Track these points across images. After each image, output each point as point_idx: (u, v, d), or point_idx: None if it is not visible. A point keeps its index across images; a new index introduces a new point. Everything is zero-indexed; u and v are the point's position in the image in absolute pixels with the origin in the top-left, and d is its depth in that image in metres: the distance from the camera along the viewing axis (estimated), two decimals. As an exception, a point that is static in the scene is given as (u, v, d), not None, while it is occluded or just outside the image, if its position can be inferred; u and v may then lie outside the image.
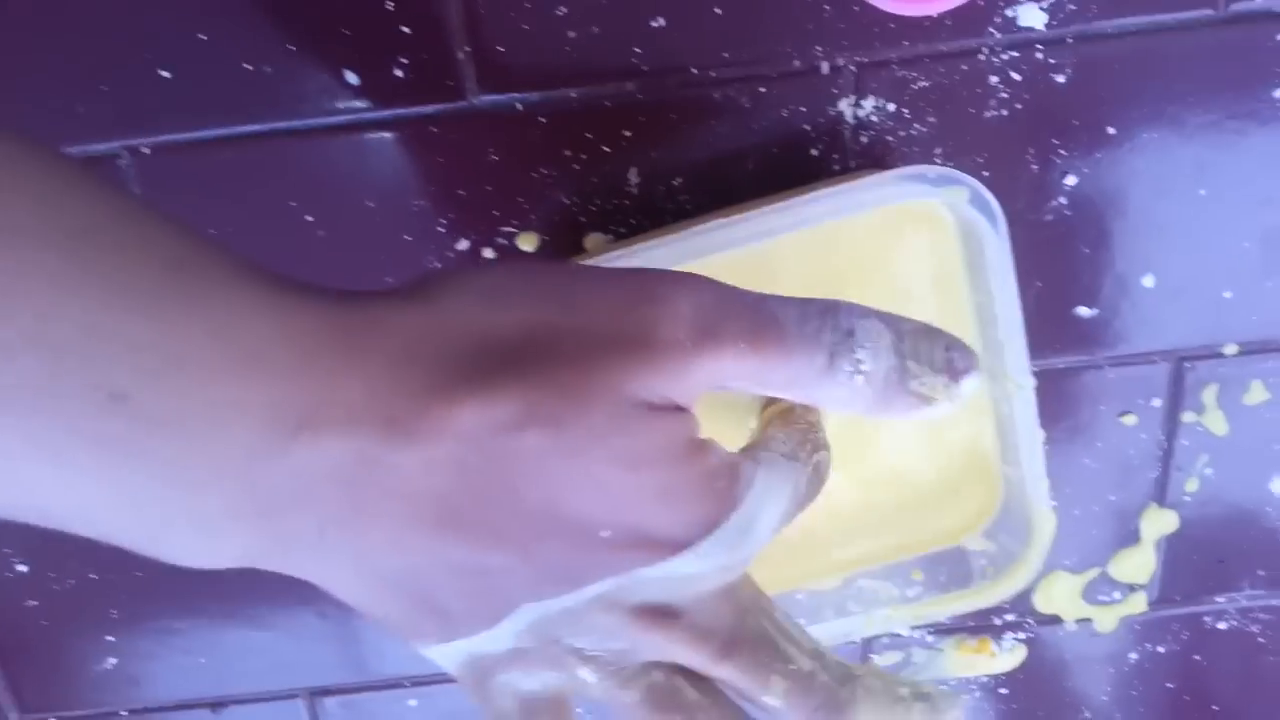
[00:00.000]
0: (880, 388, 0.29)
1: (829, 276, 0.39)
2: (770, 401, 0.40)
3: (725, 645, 0.29)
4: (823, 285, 0.39)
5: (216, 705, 0.52)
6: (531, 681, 0.29)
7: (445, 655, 0.29)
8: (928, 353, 0.30)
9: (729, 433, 0.35)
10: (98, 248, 0.24)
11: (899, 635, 0.51)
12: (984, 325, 0.40)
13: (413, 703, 0.52)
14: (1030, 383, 0.40)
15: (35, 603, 0.49)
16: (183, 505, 0.25)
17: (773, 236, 0.37)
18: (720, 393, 0.35)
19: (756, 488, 0.29)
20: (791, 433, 0.32)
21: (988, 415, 0.42)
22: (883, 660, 0.51)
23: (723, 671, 0.29)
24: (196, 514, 0.25)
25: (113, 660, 0.51)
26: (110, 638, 0.50)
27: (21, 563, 0.48)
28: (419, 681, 0.52)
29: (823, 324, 0.29)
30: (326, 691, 0.52)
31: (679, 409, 0.28)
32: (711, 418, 0.37)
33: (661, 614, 0.28)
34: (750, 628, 0.30)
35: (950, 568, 0.44)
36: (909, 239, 0.39)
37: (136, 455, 0.24)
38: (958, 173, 0.36)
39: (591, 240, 0.42)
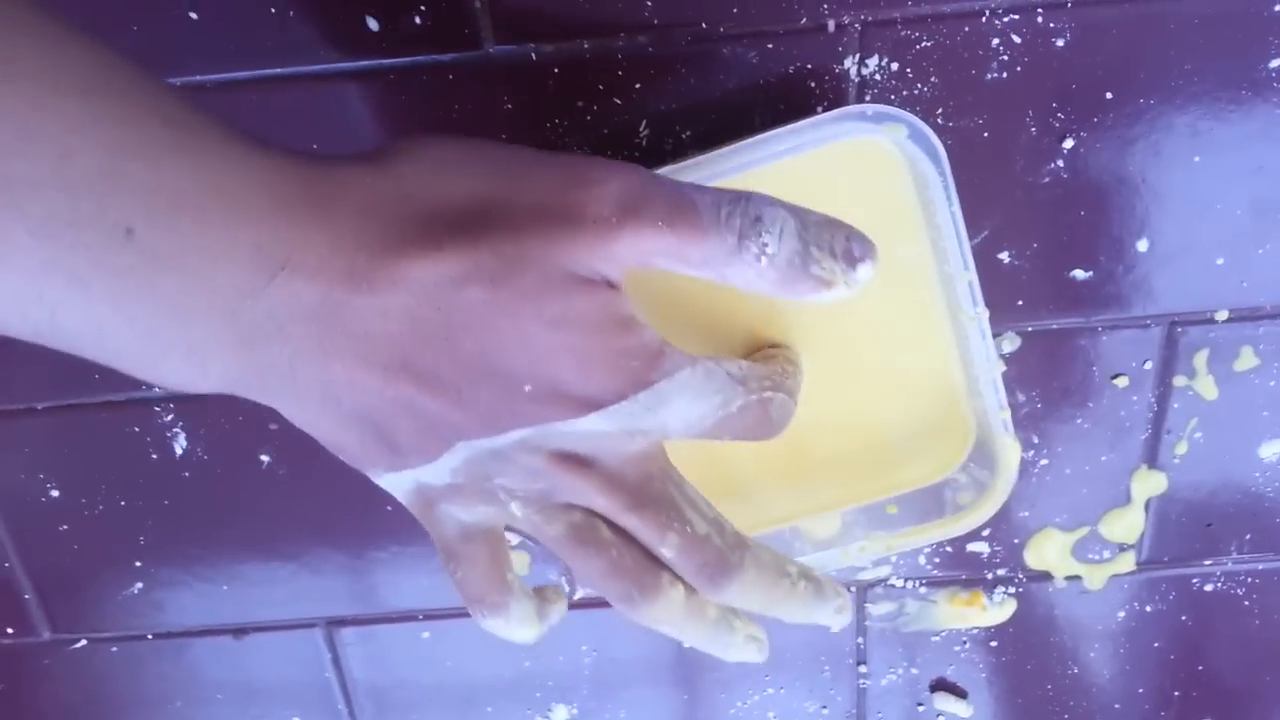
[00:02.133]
0: (783, 269, 0.32)
1: None
2: (760, 350, 0.41)
3: (631, 498, 0.33)
4: None
5: (238, 632, 0.54)
6: (468, 513, 0.33)
7: (395, 483, 0.33)
8: (829, 240, 0.32)
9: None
10: (107, 100, 0.27)
11: (893, 586, 0.52)
12: (939, 261, 0.41)
13: (425, 634, 0.54)
14: (983, 314, 0.41)
15: (66, 527, 0.52)
16: (178, 332, 0.28)
17: (724, 178, 0.39)
18: (716, 329, 0.37)
19: (676, 380, 0.32)
20: (756, 365, 0.35)
21: (953, 354, 0.43)
22: (877, 609, 0.53)
23: (627, 520, 0.33)
24: (188, 341, 0.29)
25: (139, 585, 0.53)
26: (138, 563, 0.52)
27: (55, 488, 0.50)
28: (431, 615, 0.54)
29: (734, 209, 0.31)
30: (343, 622, 0.54)
31: (609, 285, 0.31)
32: (704, 350, 0.39)
33: (577, 461, 0.32)
34: (656, 489, 0.33)
35: (924, 501, 0.46)
36: (864, 176, 0.40)
37: (142, 285, 0.27)
38: (896, 110, 0.38)
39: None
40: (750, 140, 0.38)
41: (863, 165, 0.40)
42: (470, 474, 0.32)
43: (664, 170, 0.38)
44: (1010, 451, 0.43)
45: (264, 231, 0.28)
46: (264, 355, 0.29)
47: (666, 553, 0.34)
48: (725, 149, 0.38)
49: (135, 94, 0.28)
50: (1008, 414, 0.43)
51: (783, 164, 0.39)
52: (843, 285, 0.32)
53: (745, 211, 0.31)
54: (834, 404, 0.44)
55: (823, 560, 0.46)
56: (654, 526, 0.33)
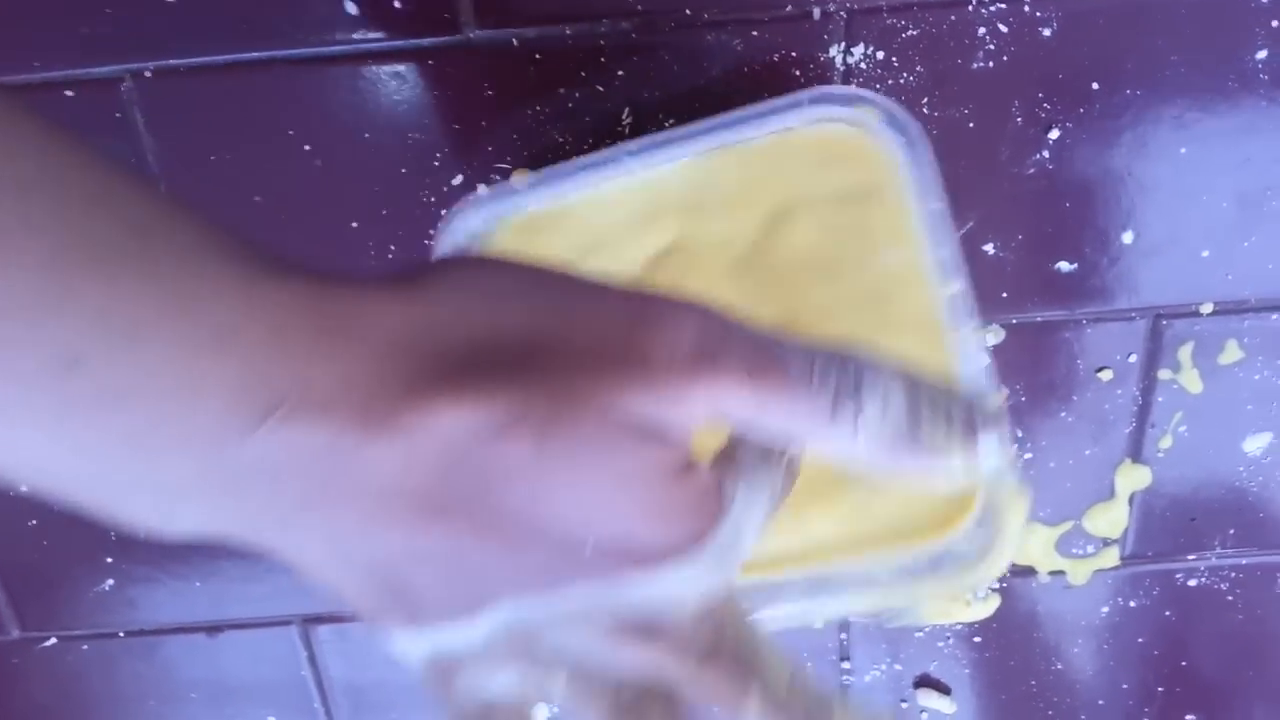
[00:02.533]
0: (887, 433, 0.27)
1: (770, 193, 0.40)
2: None
3: (705, 655, 0.28)
4: (766, 200, 0.40)
5: (212, 630, 0.54)
6: (497, 685, 0.28)
7: (412, 645, 0.28)
8: (945, 405, 0.28)
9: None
10: (52, 203, 0.22)
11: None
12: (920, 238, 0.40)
13: (400, 632, 0.54)
14: (957, 286, 0.39)
15: (36, 523, 0.51)
16: (144, 475, 0.24)
17: (697, 155, 0.38)
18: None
19: (739, 500, 0.28)
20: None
21: (938, 339, 0.41)
22: (859, 605, 0.52)
23: (704, 678, 0.28)
24: (158, 485, 0.24)
25: (111, 582, 0.52)
26: (109, 559, 0.52)
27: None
28: (407, 612, 0.53)
29: (829, 365, 0.27)
30: (319, 619, 0.53)
31: (678, 440, 0.27)
32: None
33: (644, 630, 0.27)
34: (730, 638, 0.29)
35: (917, 557, 0.45)
36: (847, 161, 0.40)
37: (95, 422, 0.23)
38: (869, 93, 0.37)
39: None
40: (722, 118, 0.38)
41: (846, 150, 0.39)
42: (512, 636, 0.27)
43: (635, 144, 0.38)
44: (1015, 512, 0.41)
45: (253, 367, 0.23)
46: (251, 504, 0.24)
47: (750, 707, 0.28)
48: (698, 124, 0.38)
49: (90, 191, 0.23)
50: (1004, 396, 0.43)
51: (762, 147, 0.39)
52: (959, 454, 0.28)
53: (843, 369, 0.27)
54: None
55: (817, 608, 0.44)
56: (734, 679, 0.28)
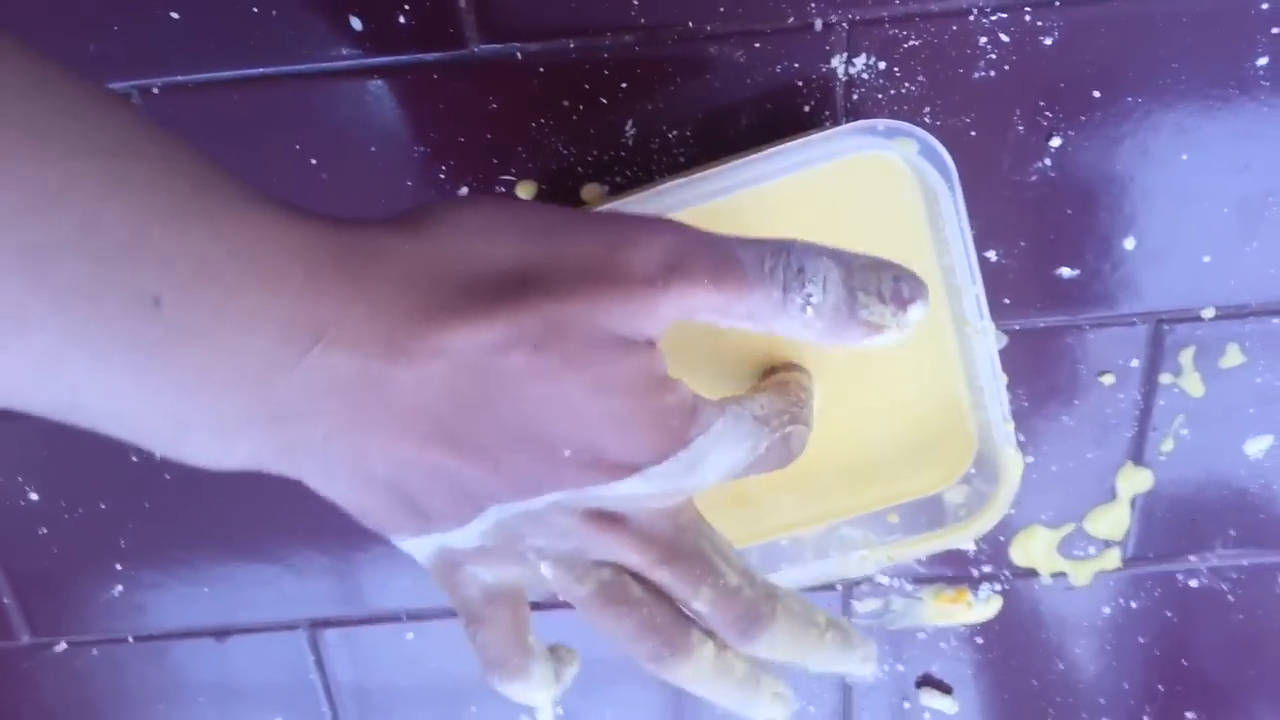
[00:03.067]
0: (830, 317, 0.32)
1: (798, 227, 0.40)
2: (771, 371, 0.41)
3: (664, 553, 0.33)
4: (793, 234, 0.40)
5: (220, 634, 0.54)
6: (493, 574, 0.33)
7: (418, 546, 0.32)
8: (875, 283, 0.32)
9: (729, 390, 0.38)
10: (134, 166, 0.26)
11: (879, 584, 0.52)
12: (945, 273, 0.41)
13: (409, 636, 0.54)
14: (989, 327, 0.41)
15: (46, 530, 0.51)
16: (204, 408, 0.27)
17: (734, 192, 0.38)
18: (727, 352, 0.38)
19: (711, 434, 0.32)
20: (774, 399, 0.35)
21: (957, 366, 0.43)
22: (863, 606, 0.53)
23: (660, 575, 0.33)
24: (215, 417, 0.27)
25: (120, 588, 0.52)
26: (118, 566, 0.52)
27: (34, 491, 0.50)
28: (415, 616, 0.53)
29: (776, 262, 0.31)
30: (327, 623, 0.54)
31: (649, 345, 0.31)
32: (718, 377, 0.39)
33: (610, 519, 0.32)
34: (688, 542, 0.33)
35: (925, 511, 0.46)
36: (873, 190, 0.40)
37: (167, 359, 0.26)
38: (908, 125, 0.37)
39: (588, 190, 0.44)
40: (761, 153, 0.38)
41: (870, 179, 0.40)
42: (500, 536, 0.32)
43: (672, 184, 0.38)
44: (1013, 464, 0.44)
45: (299, 303, 0.27)
46: (295, 430, 0.28)
47: (699, 606, 0.34)
48: (735, 161, 0.38)
49: (163, 157, 0.27)
50: (1011, 426, 0.43)
51: (791, 178, 0.39)
52: (894, 328, 0.32)
53: (788, 264, 0.31)
54: (838, 414, 0.44)
55: (824, 569, 0.46)
56: (687, 580, 0.33)
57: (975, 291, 0.41)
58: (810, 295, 0.31)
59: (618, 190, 0.43)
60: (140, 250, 0.25)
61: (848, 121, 0.42)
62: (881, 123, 0.38)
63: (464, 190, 0.43)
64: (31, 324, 0.25)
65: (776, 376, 0.41)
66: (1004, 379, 0.43)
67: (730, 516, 0.45)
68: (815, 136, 0.38)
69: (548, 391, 0.29)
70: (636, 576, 0.33)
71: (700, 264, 0.30)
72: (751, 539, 0.47)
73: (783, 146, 0.38)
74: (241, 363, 0.27)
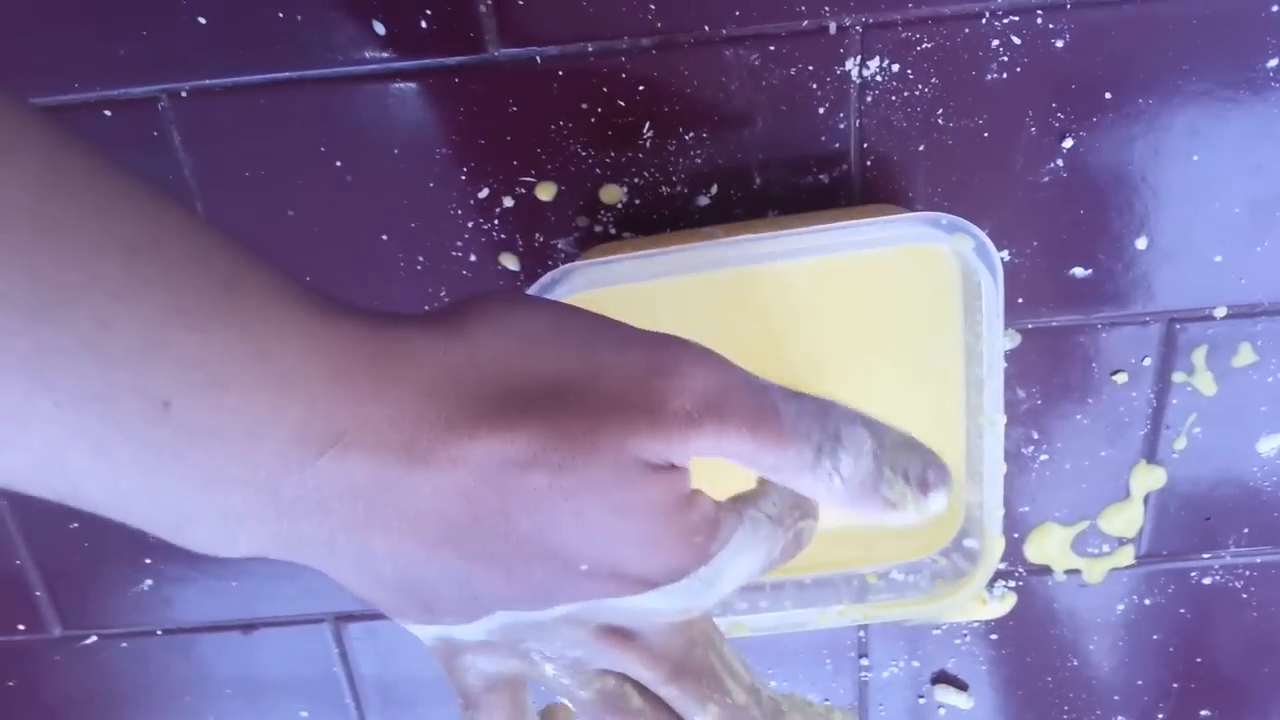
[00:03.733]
0: (854, 489, 0.31)
1: (835, 301, 0.42)
2: None
3: (672, 670, 0.32)
4: (828, 308, 0.42)
5: (247, 627, 0.55)
6: (494, 665, 0.32)
7: (420, 630, 0.32)
8: (904, 464, 0.32)
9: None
10: (156, 264, 0.25)
11: (894, 579, 0.52)
12: (970, 361, 0.43)
13: (430, 630, 0.55)
14: (1001, 420, 0.42)
15: (76, 525, 0.52)
16: (211, 505, 0.26)
17: (785, 259, 0.39)
18: None
19: (732, 545, 0.31)
20: (785, 495, 0.34)
21: (960, 448, 0.44)
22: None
23: (666, 692, 0.32)
24: (221, 514, 0.27)
25: (149, 582, 0.53)
26: (147, 560, 0.53)
27: (65, 485, 0.51)
28: (436, 611, 0.54)
29: (814, 423, 0.31)
30: (351, 617, 0.55)
31: (675, 468, 0.30)
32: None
33: (621, 635, 0.31)
34: (697, 658, 0.33)
35: (904, 578, 0.47)
36: (913, 274, 0.42)
37: (175, 460, 0.25)
38: (967, 223, 0.38)
39: (607, 191, 0.44)
40: (819, 228, 0.38)
41: (913, 258, 0.41)
42: (506, 637, 0.31)
43: (718, 243, 0.39)
44: (995, 548, 0.45)
45: (317, 407, 0.26)
46: (302, 528, 0.27)
47: (708, 713, 0.33)
48: (795, 231, 0.38)
49: (186, 251, 0.25)
50: (1002, 513, 0.44)
51: (841, 256, 0.40)
52: (912, 510, 0.32)
53: (825, 427, 0.31)
54: None
55: (801, 618, 0.47)
56: (694, 698, 0.32)
57: (996, 385, 0.41)
58: (840, 464, 0.31)
59: (636, 192, 0.44)
60: (154, 354, 0.24)
61: (861, 124, 0.43)
62: (945, 217, 0.38)
63: (485, 191, 0.44)
64: (33, 425, 0.24)
65: None
66: (1004, 469, 0.44)
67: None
68: (877, 220, 0.38)
69: (567, 511, 0.28)
70: (640, 685, 0.33)
71: (740, 410, 0.30)
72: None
73: (845, 224, 0.38)
74: (252, 462, 0.26)
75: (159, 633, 0.55)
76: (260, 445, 0.26)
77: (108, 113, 0.43)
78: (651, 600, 0.30)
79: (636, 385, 0.29)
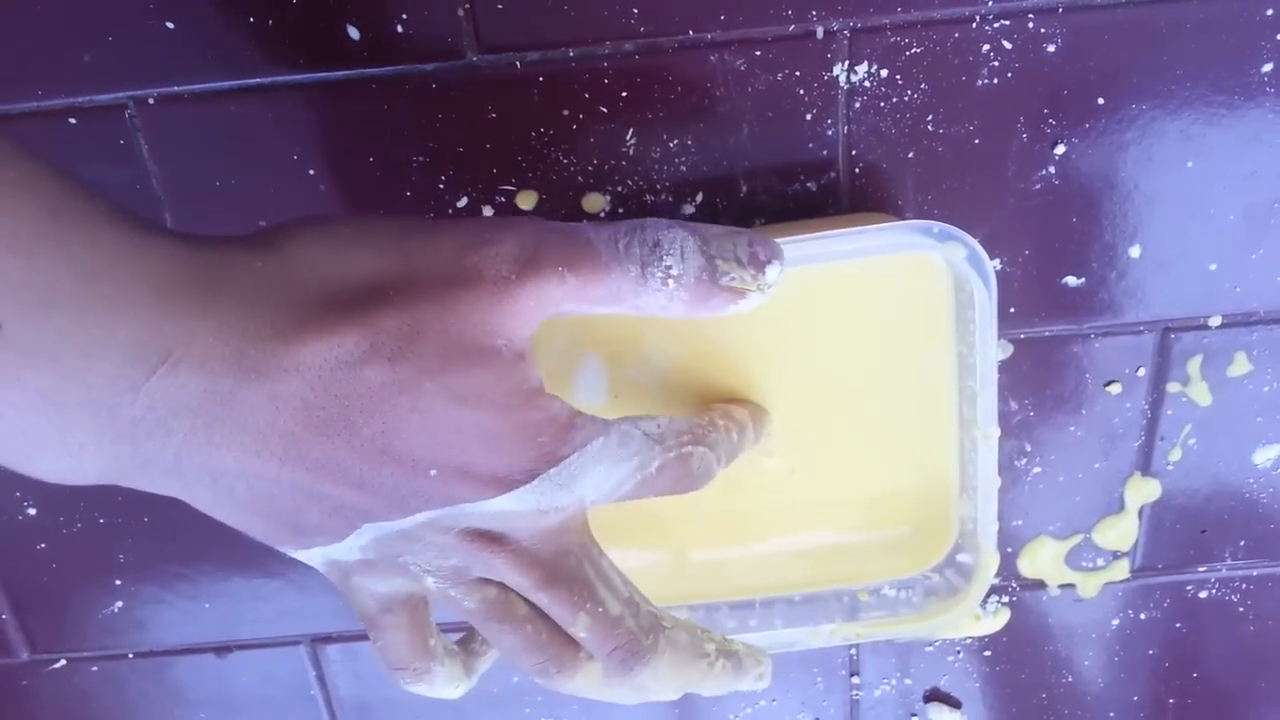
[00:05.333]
0: (693, 288, 0.32)
1: (824, 311, 0.41)
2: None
3: (543, 576, 0.32)
4: (817, 319, 0.42)
5: (221, 650, 0.54)
6: (384, 584, 0.33)
7: (304, 556, 0.32)
8: (732, 249, 0.32)
9: None
10: None
11: (886, 596, 0.51)
12: (962, 373, 0.42)
13: (409, 651, 0.53)
14: (995, 432, 0.41)
15: (44, 546, 0.51)
16: (53, 428, 0.27)
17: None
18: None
19: (589, 452, 0.31)
20: (678, 420, 0.35)
21: (954, 461, 0.44)
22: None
23: (538, 598, 0.33)
24: (64, 436, 0.27)
25: (120, 604, 0.52)
26: (118, 581, 0.52)
27: (32, 506, 0.50)
28: (416, 631, 0.53)
29: (631, 239, 0.31)
30: (328, 639, 0.53)
31: (516, 356, 0.30)
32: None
33: (488, 538, 0.31)
34: (569, 566, 0.33)
35: (897, 595, 0.46)
36: (904, 283, 0.41)
37: (12, 381, 0.26)
38: (959, 231, 0.37)
39: (589, 200, 0.43)
40: (808, 236, 0.37)
41: (904, 268, 0.41)
42: (380, 551, 0.31)
43: None
44: (990, 564, 0.44)
45: (144, 325, 0.27)
46: (145, 448, 0.28)
47: (578, 633, 0.33)
48: (783, 240, 0.37)
49: (14, 179, 0.26)
50: (996, 528, 0.43)
51: (831, 264, 0.40)
52: (755, 291, 0.32)
53: (643, 240, 0.31)
54: (826, 486, 0.45)
55: (793, 637, 0.46)
56: (565, 606, 0.33)
57: (990, 397, 0.41)
58: (670, 267, 0.31)
59: (619, 200, 0.43)
60: None
61: (849, 131, 0.42)
62: (936, 225, 0.37)
63: (463, 200, 0.43)
64: None
65: (715, 406, 0.40)
66: (998, 483, 0.43)
67: (702, 571, 0.45)
68: (869, 229, 0.38)
69: (406, 406, 0.29)
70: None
71: (553, 253, 0.30)
72: (722, 595, 0.47)
73: (836, 233, 0.38)
74: (88, 383, 0.26)
75: (131, 656, 0.54)
76: (93, 365, 0.26)
77: (73, 121, 0.42)
78: (504, 503, 0.30)
79: (450, 265, 0.29)
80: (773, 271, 0.33)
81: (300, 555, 0.32)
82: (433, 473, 0.29)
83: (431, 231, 0.30)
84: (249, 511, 0.30)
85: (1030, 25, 0.41)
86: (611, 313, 0.32)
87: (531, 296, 0.30)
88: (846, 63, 0.41)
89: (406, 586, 0.33)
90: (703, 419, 0.37)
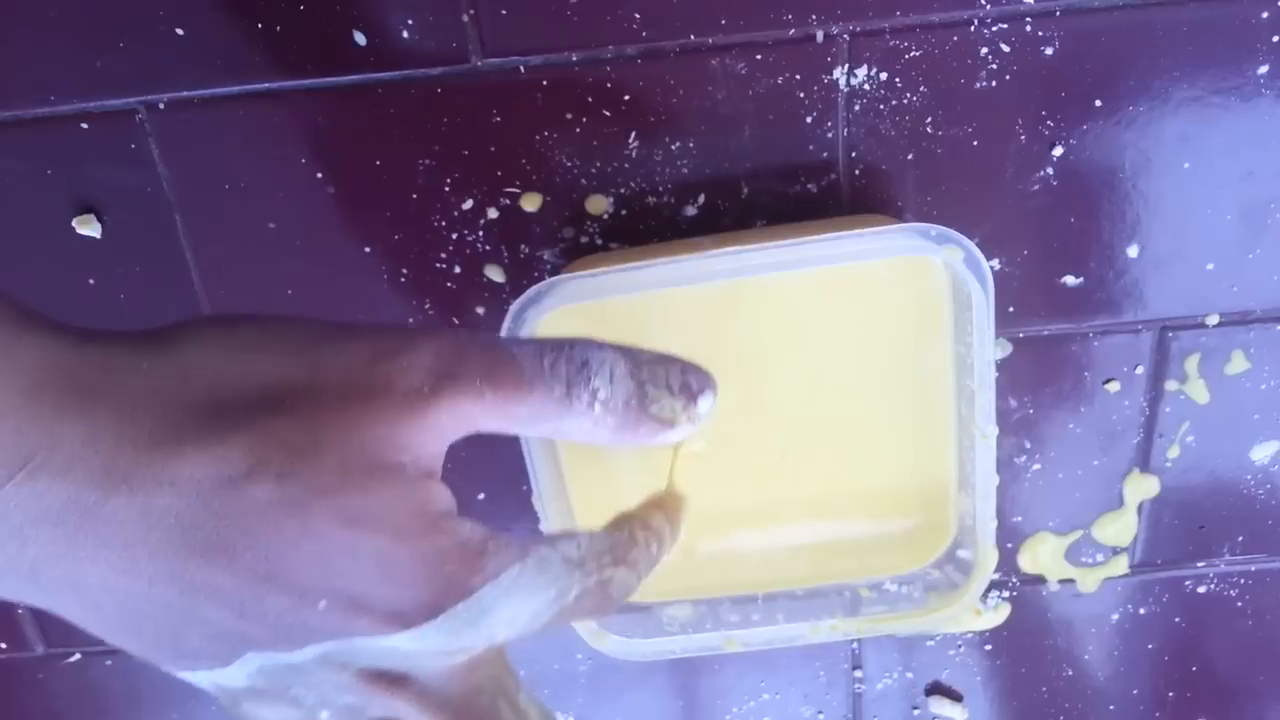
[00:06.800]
0: (620, 414, 0.30)
1: (824, 312, 0.42)
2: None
3: (457, 715, 0.29)
4: (817, 320, 0.42)
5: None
6: (275, 715, 0.29)
7: (193, 679, 0.28)
8: (664, 377, 0.30)
9: None
10: None
11: (887, 591, 0.52)
12: (960, 373, 0.42)
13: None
14: (993, 431, 0.41)
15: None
16: None
17: (778, 270, 0.39)
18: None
19: (502, 583, 0.28)
20: (598, 539, 0.31)
21: (952, 459, 0.44)
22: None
23: None
24: None
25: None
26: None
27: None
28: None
29: (558, 356, 0.29)
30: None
31: (424, 474, 0.27)
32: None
33: (388, 680, 0.28)
34: (483, 708, 0.30)
35: (898, 590, 0.47)
36: (903, 285, 0.41)
37: None
38: (957, 234, 0.37)
39: (593, 202, 0.44)
40: (808, 239, 0.38)
41: (901, 270, 0.41)
42: (270, 682, 0.28)
43: (724, 251, 0.38)
44: (989, 561, 0.44)
45: (5, 427, 0.24)
46: (2, 558, 0.25)
47: None
48: (783, 243, 0.38)
49: None
50: (994, 525, 0.43)
51: (831, 267, 0.40)
52: (685, 422, 0.31)
53: (571, 358, 0.29)
54: (826, 484, 0.45)
55: (794, 632, 0.47)
56: None
57: (987, 397, 0.41)
58: (597, 390, 0.29)
59: (622, 202, 0.44)
60: None
61: (849, 133, 0.43)
62: (934, 228, 0.38)
63: (469, 203, 0.44)
64: None
65: (625, 512, 0.36)
66: (997, 480, 0.43)
67: (705, 567, 0.46)
68: (867, 231, 0.38)
69: (293, 529, 0.25)
70: None
71: (472, 366, 0.27)
72: (724, 590, 0.48)
73: (830, 235, 0.38)
74: None
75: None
76: None
77: (85, 125, 0.43)
78: (404, 639, 0.27)
79: (360, 375, 0.26)
80: (705, 403, 0.31)
81: (186, 676, 0.28)
82: (322, 604, 0.26)
83: (342, 336, 0.28)
84: (121, 629, 0.26)
85: (1028, 28, 0.41)
86: (533, 435, 0.30)
87: (446, 412, 0.27)
88: (846, 66, 0.42)
89: (301, 717, 0.29)
90: (622, 534, 0.33)
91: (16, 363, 0.24)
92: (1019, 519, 0.50)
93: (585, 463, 0.44)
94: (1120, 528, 0.50)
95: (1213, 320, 0.46)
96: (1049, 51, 0.41)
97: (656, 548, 0.35)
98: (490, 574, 0.28)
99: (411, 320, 0.46)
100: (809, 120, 0.43)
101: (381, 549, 0.26)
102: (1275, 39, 0.41)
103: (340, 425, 0.26)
